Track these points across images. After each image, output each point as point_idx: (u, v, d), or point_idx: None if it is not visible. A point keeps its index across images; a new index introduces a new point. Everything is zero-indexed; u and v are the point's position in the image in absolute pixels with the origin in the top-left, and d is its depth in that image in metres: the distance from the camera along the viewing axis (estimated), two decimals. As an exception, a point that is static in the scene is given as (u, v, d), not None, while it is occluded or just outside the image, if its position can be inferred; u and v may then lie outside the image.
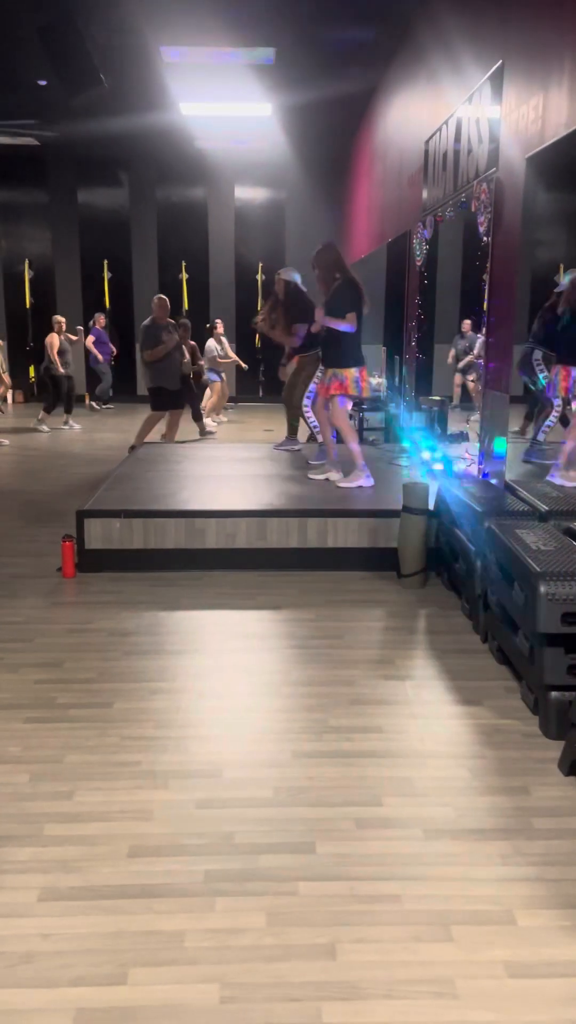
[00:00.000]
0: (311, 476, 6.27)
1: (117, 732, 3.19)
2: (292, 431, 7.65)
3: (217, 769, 2.93)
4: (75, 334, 12.13)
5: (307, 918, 2.22)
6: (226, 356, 11.69)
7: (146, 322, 8.64)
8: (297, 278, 7.26)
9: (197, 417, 10.43)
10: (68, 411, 11.60)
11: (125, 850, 2.49)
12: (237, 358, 12.46)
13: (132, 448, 8.84)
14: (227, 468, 6.79)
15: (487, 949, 2.12)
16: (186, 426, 9.84)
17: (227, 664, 3.85)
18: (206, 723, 3.29)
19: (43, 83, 9.77)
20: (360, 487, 5.91)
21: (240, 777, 2.88)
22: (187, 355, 9.55)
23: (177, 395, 8.97)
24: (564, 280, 5.34)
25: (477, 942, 2.14)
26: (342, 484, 5.99)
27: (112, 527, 5.17)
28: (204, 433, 10.41)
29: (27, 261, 14.41)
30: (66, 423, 11.55)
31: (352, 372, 5.81)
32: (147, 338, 8.55)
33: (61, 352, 11.20)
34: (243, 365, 12.94)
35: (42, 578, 5.03)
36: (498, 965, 2.07)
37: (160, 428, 9.11)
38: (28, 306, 14.35)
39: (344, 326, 5.72)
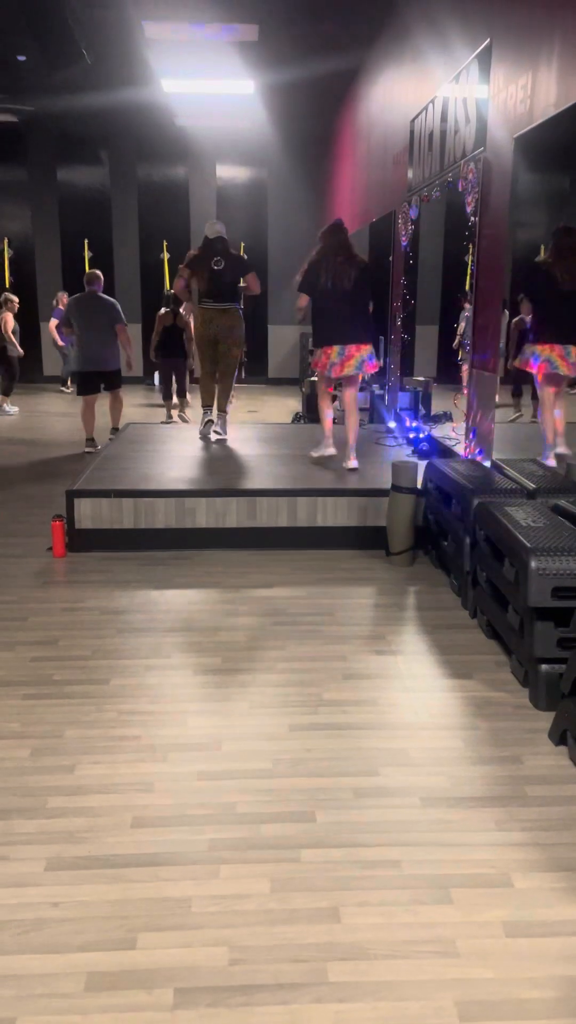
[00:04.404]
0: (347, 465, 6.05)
1: (115, 707, 3.23)
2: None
3: (215, 742, 2.98)
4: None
5: (310, 883, 2.27)
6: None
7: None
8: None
9: (181, 393, 9.87)
10: (7, 393, 11.11)
11: (129, 820, 2.53)
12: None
13: (114, 430, 8.76)
14: (216, 448, 6.80)
15: (486, 910, 2.18)
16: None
17: (219, 641, 3.89)
18: (202, 698, 3.34)
19: (22, 59, 9.61)
20: (324, 455, 6.11)
21: (239, 750, 2.93)
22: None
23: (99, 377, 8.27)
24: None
25: (476, 904, 2.21)
26: (311, 452, 6.25)
27: (101, 507, 5.17)
28: (177, 417, 9.67)
29: (6, 240, 14.23)
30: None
31: (318, 352, 5.95)
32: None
33: (15, 332, 10.84)
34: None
35: (33, 558, 5.03)
36: (497, 925, 2.13)
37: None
38: (8, 285, 14.17)
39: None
